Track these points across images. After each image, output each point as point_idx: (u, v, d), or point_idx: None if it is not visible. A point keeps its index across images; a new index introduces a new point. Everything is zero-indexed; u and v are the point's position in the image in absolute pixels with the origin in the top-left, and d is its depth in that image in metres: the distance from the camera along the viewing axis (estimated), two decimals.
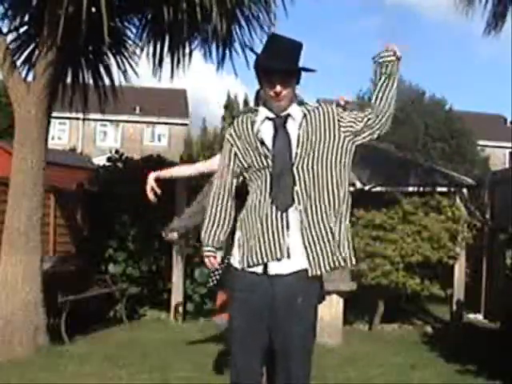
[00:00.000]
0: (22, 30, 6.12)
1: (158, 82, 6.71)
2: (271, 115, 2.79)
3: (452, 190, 7.74)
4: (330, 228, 2.73)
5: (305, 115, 2.80)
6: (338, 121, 2.80)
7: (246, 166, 2.82)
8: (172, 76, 6.26)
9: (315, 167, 2.74)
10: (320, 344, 6.40)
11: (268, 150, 2.75)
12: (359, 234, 7.40)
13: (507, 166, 29.86)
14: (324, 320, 6.59)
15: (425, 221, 7.42)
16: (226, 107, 26.17)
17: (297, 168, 2.73)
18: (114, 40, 6.07)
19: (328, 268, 2.74)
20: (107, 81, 6.55)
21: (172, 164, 8.89)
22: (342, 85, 62.41)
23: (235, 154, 2.84)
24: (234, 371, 2.80)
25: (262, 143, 2.76)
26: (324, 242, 2.72)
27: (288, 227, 2.70)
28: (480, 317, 8.33)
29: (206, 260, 2.91)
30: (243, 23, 5.93)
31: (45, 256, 6.35)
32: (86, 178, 8.75)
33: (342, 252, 2.77)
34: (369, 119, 2.79)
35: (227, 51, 6.06)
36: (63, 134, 33.87)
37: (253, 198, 2.79)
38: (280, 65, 2.73)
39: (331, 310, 6.59)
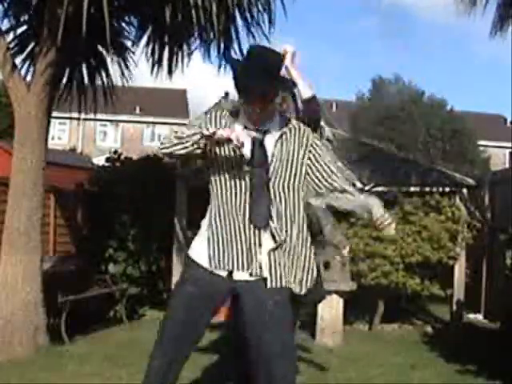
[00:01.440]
0: (21, 29, 6.12)
1: (158, 82, 6.70)
2: (250, 126, 2.77)
3: (452, 189, 7.74)
4: (300, 251, 2.78)
5: (282, 135, 2.78)
6: (309, 151, 2.80)
7: (214, 158, 2.78)
8: (171, 75, 6.26)
9: (285, 186, 2.76)
10: (320, 344, 6.43)
11: (245, 165, 2.73)
12: (359, 234, 7.40)
13: (507, 166, 29.85)
14: (324, 320, 6.60)
15: (425, 221, 7.42)
16: None
17: (272, 186, 2.74)
18: (114, 40, 6.07)
19: (282, 285, 2.73)
20: (107, 81, 6.56)
21: (172, 164, 8.89)
22: (342, 85, 62.47)
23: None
24: (159, 360, 2.79)
25: (240, 157, 2.73)
26: (290, 261, 2.75)
27: (260, 245, 2.72)
28: (480, 317, 8.32)
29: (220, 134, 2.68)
30: (243, 23, 5.93)
31: (45, 256, 6.35)
32: (86, 178, 8.75)
33: (300, 274, 2.78)
34: (335, 188, 2.82)
35: (227, 51, 6.05)
36: (63, 134, 33.88)
37: (226, 206, 2.77)
38: (259, 86, 2.68)
39: (331, 309, 6.59)
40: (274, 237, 2.73)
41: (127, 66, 6.46)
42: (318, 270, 3.48)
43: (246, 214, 2.73)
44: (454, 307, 7.61)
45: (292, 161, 2.77)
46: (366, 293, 7.18)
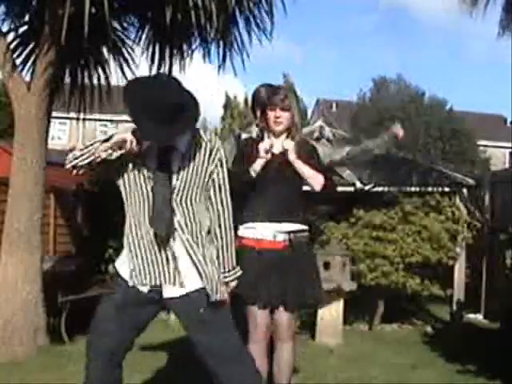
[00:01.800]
0: (22, 29, 6.12)
1: None
2: (156, 144, 2.80)
3: (452, 190, 7.74)
4: (210, 262, 2.84)
5: (189, 147, 2.80)
6: (216, 165, 2.85)
7: (123, 172, 2.83)
8: (170, 74, 6.26)
9: (190, 200, 2.80)
10: (320, 344, 6.43)
11: (150, 178, 2.77)
12: (359, 234, 7.41)
13: (507, 166, 29.85)
14: (324, 320, 6.60)
15: (425, 221, 7.42)
16: (226, 107, 26.16)
17: (178, 199, 2.77)
18: (114, 40, 6.07)
19: (219, 298, 2.81)
20: (107, 81, 6.56)
21: None
22: (341, 85, 62.47)
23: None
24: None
25: (147, 170, 2.78)
26: (211, 272, 2.82)
27: (174, 257, 2.78)
28: (480, 317, 8.32)
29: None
30: (243, 23, 5.93)
31: (45, 256, 6.35)
32: (86, 178, 8.74)
33: (216, 287, 2.84)
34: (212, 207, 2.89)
35: (227, 51, 6.05)
36: (63, 134, 33.87)
37: (135, 225, 2.83)
38: (159, 139, 2.72)
39: (331, 309, 6.59)
40: (186, 248, 2.79)
41: (127, 66, 6.46)
42: (318, 273, 3.53)
43: (149, 228, 2.79)
44: (454, 307, 7.61)
45: (196, 174, 2.81)
46: (365, 293, 7.18)
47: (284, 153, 3.55)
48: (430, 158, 24.39)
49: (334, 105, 37.28)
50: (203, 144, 2.82)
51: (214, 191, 2.86)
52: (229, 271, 2.93)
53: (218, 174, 2.86)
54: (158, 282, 2.80)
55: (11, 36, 6.01)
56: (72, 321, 6.21)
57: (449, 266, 7.55)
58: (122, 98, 2.76)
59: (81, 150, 2.82)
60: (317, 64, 66.73)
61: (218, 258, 2.90)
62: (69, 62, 6.11)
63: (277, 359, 3.62)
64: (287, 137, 3.62)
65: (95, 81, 6.51)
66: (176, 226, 2.78)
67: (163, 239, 2.78)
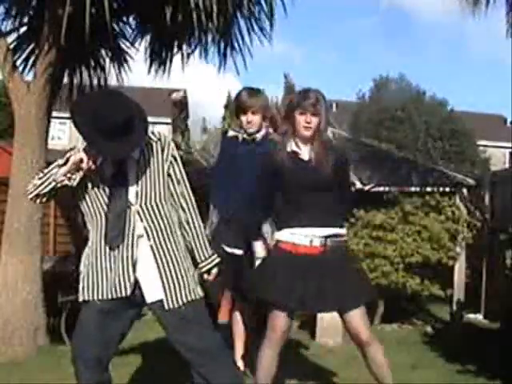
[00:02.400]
0: (22, 30, 6.12)
1: (158, 82, 6.71)
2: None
3: (452, 190, 7.74)
4: (184, 261, 2.89)
5: (142, 151, 2.83)
6: (171, 162, 2.90)
7: (82, 190, 2.85)
8: (169, 74, 6.28)
9: (155, 202, 2.83)
10: (320, 344, 6.43)
11: (104, 190, 2.80)
12: (359, 234, 7.40)
13: (507, 166, 29.83)
14: (324, 320, 6.59)
15: (425, 221, 7.42)
16: (226, 107, 26.17)
17: (140, 205, 2.79)
18: (113, 40, 6.08)
19: (181, 302, 2.86)
20: (106, 81, 6.56)
21: None
22: (341, 85, 62.47)
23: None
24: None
25: (102, 181, 2.80)
26: (179, 277, 2.85)
27: (133, 263, 2.79)
28: (480, 317, 8.31)
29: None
30: (243, 23, 5.93)
31: (45, 256, 6.35)
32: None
33: (191, 285, 2.90)
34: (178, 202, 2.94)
35: (227, 51, 6.05)
36: (63, 134, 33.85)
37: (92, 237, 2.86)
38: (118, 154, 2.77)
39: None
40: (154, 254, 2.82)
41: (127, 67, 6.46)
42: (359, 271, 3.55)
43: (104, 240, 2.81)
44: (454, 307, 7.60)
45: (155, 175, 2.84)
46: None
47: (313, 159, 3.50)
48: (430, 158, 24.41)
49: (334, 105, 37.26)
50: (154, 144, 2.87)
51: (174, 186, 2.91)
52: (205, 259, 2.98)
53: (174, 170, 2.91)
54: (114, 296, 2.82)
55: (11, 36, 6.02)
56: (72, 321, 6.19)
57: (449, 266, 7.54)
58: (72, 120, 2.89)
59: (40, 178, 2.83)
60: (317, 64, 66.72)
61: (192, 250, 2.95)
62: (69, 62, 6.11)
63: (374, 366, 3.57)
64: (311, 142, 3.54)
65: (95, 81, 6.51)
66: (142, 232, 2.80)
67: (121, 250, 2.79)
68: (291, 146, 3.52)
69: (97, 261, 2.84)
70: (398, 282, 7.26)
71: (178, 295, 2.84)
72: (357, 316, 3.48)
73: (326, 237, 3.43)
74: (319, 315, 6.55)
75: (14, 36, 6.06)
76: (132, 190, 2.80)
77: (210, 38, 5.84)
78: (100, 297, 2.85)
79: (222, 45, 5.97)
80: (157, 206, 2.83)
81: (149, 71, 6.27)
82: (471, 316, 8.24)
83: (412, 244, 7.32)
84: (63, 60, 5.79)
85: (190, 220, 2.93)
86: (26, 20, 6.11)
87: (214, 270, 3.02)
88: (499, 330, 7.12)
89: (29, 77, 5.96)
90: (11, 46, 5.93)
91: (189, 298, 2.87)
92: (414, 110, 28.48)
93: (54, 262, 7.10)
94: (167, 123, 34.24)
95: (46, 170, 2.86)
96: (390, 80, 32.20)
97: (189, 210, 2.93)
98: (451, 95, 63.17)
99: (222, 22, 5.42)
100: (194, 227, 2.94)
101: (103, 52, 6.39)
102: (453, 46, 69.51)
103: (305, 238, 3.41)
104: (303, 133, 3.49)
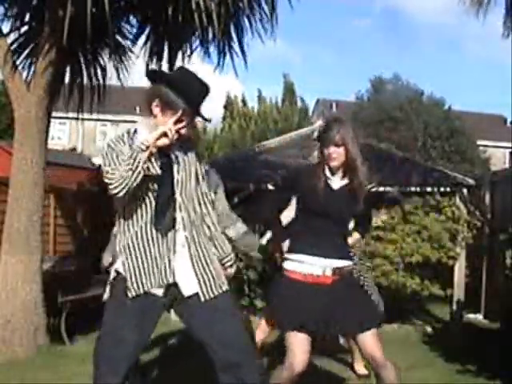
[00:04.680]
0: (22, 30, 6.12)
1: None
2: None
3: (452, 190, 7.74)
4: (211, 255, 2.93)
5: (181, 145, 2.90)
6: (198, 160, 2.99)
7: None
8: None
9: (190, 195, 2.89)
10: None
11: (151, 177, 2.78)
12: None
13: (507, 166, 29.84)
14: None
15: (425, 221, 7.42)
16: (226, 107, 26.16)
17: (180, 195, 2.84)
18: (114, 40, 6.08)
19: (216, 292, 2.87)
20: (106, 81, 6.57)
21: None
22: (341, 85, 62.48)
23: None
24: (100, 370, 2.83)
25: (147, 169, 2.77)
26: (210, 269, 2.88)
27: (174, 252, 2.81)
28: (480, 317, 8.32)
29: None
30: (243, 23, 5.93)
31: (45, 256, 6.35)
32: (86, 178, 8.75)
33: (222, 277, 2.94)
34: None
35: (227, 51, 6.05)
36: (63, 134, 33.86)
37: (134, 225, 2.84)
38: (198, 106, 2.85)
39: None
40: (189, 246, 2.84)
41: (127, 67, 6.46)
42: (368, 294, 3.56)
43: (151, 226, 2.81)
44: (454, 307, 7.61)
45: (191, 169, 2.92)
46: None
47: (342, 189, 3.43)
48: (430, 158, 24.40)
49: (334, 105, 37.27)
50: (189, 144, 2.96)
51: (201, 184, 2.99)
52: (227, 256, 3.04)
53: (200, 170, 3.00)
54: (153, 285, 2.81)
55: (12, 36, 6.02)
56: (72, 321, 6.20)
57: (449, 266, 7.55)
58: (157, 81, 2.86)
59: (124, 170, 2.70)
60: (316, 64, 66.75)
61: (215, 247, 3.00)
62: (69, 62, 6.11)
63: None
64: (345, 172, 3.43)
65: (95, 81, 6.51)
66: (179, 221, 2.83)
67: (163, 238, 2.81)
68: (325, 172, 3.43)
69: (140, 248, 2.81)
70: (398, 282, 7.27)
71: (213, 286, 2.85)
72: (372, 338, 3.53)
73: (338, 269, 3.40)
74: None
75: (14, 36, 6.07)
76: (174, 179, 2.86)
77: (210, 38, 5.83)
78: (145, 286, 2.80)
79: (222, 45, 5.96)
80: (192, 198, 2.90)
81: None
82: (471, 316, 8.25)
83: (412, 244, 7.33)
84: (63, 60, 5.79)
85: (212, 217, 3.02)
86: (26, 20, 6.11)
87: (232, 269, 3.06)
88: (499, 330, 7.12)
89: (29, 77, 5.96)
90: (11, 46, 5.93)
91: (222, 289, 2.88)
92: (413, 110, 28.46)
93: (54, 262, 7.11)
94: None
95: (124, 158, 2.71)
96: (385, 80, 32.20)
97: (208, 210, 3.01)
98: (451, 95, 63.16)
99: (223, 22, 5.42)
100: (213, 224, 3.02)
101: (103, 52, 6.39)
102: (453, 45, 69.56)
103: (316, 268, 3.37)
104: (330, 163, 3.41)
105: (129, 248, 2.83)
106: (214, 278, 2.87)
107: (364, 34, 67.31)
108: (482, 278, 8.36)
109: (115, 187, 2.72)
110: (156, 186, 2.81)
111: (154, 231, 2.81)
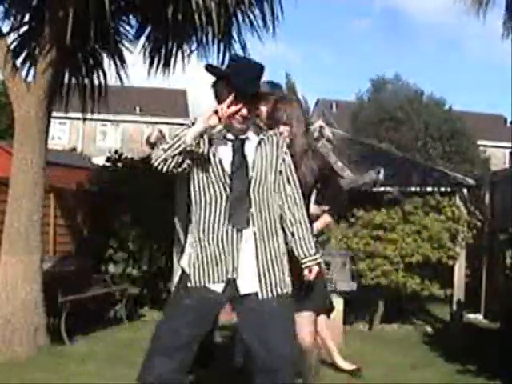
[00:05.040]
0: (22, 30, 6.12)
1: (158, 82, 6.71)
2: (230, 136, 2.86)
3: (452, 190, 7.74)
4: (281, 254, 2.87)
5: (260, 141, 2.89)
6: (283, 160, 2.94)
7: (197, 174, 2.87)
8: (169, 74, 6.28)
9: (266, 192, 2.85)
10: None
11: (226, 170, 2.81)
12: (359, 234, 7.40)
13: (507, 166, 29.83)
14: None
15: (425, 221, 7.42)
16: None
17: (253, 191, 2.82)
18: (114, 40, 6.08)
19: (275, 293, 2.82)
20: (106, 81, 6.56)
21: None
22: (341, 85, 62.47)
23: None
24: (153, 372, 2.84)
25: (221, 163, 2.81)
26: (275, 268, 2.83)
27: (240, 248, 2.79)
28: (480, 317, 8.32)
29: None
30: (243, 24, 5.93)
31: (45, 256, 6.35)
32: (86, 178, 8.75)
33: (286, 279, 2.88)
34: (286, 206, 2.94)
35: (227, 51, 6.05)
36: (63, 134, 33.87)
37: (206, 218, 2.83)
38: (251, 89, 2.81)
39: None
40: (256, 243, 2.81)
41: (127, 67, 6.46)
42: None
43: (226, 220, 2.79)
44: (454, 307, 7.60)
45: (269, 166, 2.89)
46: (365, 293, 7.18)
47: None
48: (430, 158, 24.39)
49: (334, 105, 37.28)
50: (272, 138, 2.93)
51: (284, 185, 2.93)
52: (309, 256, 2.94)
53: (285, 168, 2.94)
54: (227, 277, 2.78)
55: (12, 36, 6.02)
56: (72, 321, 6.21)
57: (449, 266, 7.54)
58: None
59: (168, 143, 2.79)
60: (317, 64, 66.72)
61: (296, 248, 2.93)
62: (69, 62, 6.10)
63: None
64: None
65: (95, 81, 6.51)
66: (249, 217, 2.81)
67: (236, 229, 2.79)
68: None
69: (207, 242, 2.81)
70: (398, 282, 7.27)
71: (273, 286, 2.81)
72: (302, 320, 3.49)
73: None
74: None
75: (14, 36, 6.07)
76: (249, 175, 2.84)
77: (210, 38, 5.83)
78: (207, 280, 2.79)
79: (222, 45, 5.96)
80: (266, 195, 2.86)
81: (149, 71, 6.27)
82: (471, 316, 8.25)
83: (412, 244, 7.32)
84: (63, 60, 5.79)
85: (298, 219, 2.93)
86: (26, 20, 6.11)
87: (316, 268, 2.98)
88: (499, 329, 7.12)
89: (29, 77, 5.96)
90: (11, 46, 5.93)
91: (283, 291, 2.84)
92: (413, 110, 28.45)
93: (54, 262, 7.11)
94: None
95: (173, 135, 2.83)
96: (386, 80, 32.20)
97: (297, 209, 2.94)
98: (451, 95, 63.13)
99: (223, 22, 5.42)
100: (301, 225, 2.93)
101: (104, 52, 6.38)
102: (453, 45, 69.52)
103: None
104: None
105: (198, 240, 2.83)
106: (276, 277, 2.82)
107: (364, 34, 67.30)
108: (482, 278, 8.36)
109: (155, 159, 2.79)
110: (228, 179, 2.80)
111: (225, 226, 2.79)
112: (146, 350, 2.89)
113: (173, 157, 2.76)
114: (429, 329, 7.68)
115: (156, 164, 2.80)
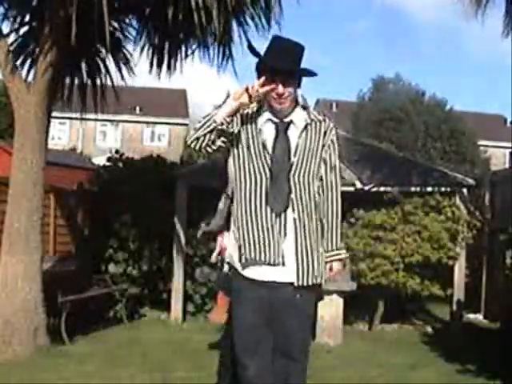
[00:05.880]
0: (22, 30, 6.12)
1: (158, 82, 6.71)
2: (274, 119, 2.81)
3: (452, 189, 7.74)
4: (318, 244, 2.82)
5: (306, 126, 2.83)
6: (328, 146, 2.87)
7: (237, 151, 2.83)
8: (170, 75, 6.27)
9: (306, 178, 2.80)
10: (320, 344, 6.42)
11: (268, 153, 2.78)
12: (359, 234, 7.40)
13: (507, 166, 29.84)
14: (324, 320, 6.60)
15: (425, 221, 7.42)
16: None
17: (293, 176, 2.78)
18: (114, 40, 6.07)
19: (311, 282, 2.79)
20: (106, 81, 6.56)
21: (172, 164, 8.90)
22: (341, 85, 62.50)
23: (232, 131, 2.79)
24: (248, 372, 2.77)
25: (264, 145, 2.79)
26: (313, 256, 2.79)
27: (285, 233, 2.75)
28: (480, 317, 8.33)
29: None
30: (243, 23, 5.92)
31: (45, 256, 6.35)
32: (86, 178, 8.75)
33: (320, 268, 2.83)
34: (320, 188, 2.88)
35: (227, 51, 6.05)
36: (63, 134, 33.86)
37: (246, 200, 2.80)
38: (284, 65, 2.74)
39: (331, 309, 6.59)
40: (295, 228, 2.76)
41: (127, 66, 6.46)
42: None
43: (264, 205, 2.75)
44: (454, 307, 7.60)
45: (312, 153, 2.82)
46: (365, 293, 7.18)
47: None
48: (430, 158, 24.39)
49: (334, 105, 37.28)
50: (318, 124, 2.86)
51: (326, 172, 2.87)
52: (331, 250, 2.88)
53: (330, 156, 2.87)
54: (266, 260, 2.74)
55: (12, 37, 6.02)
56: (72, 321, 6.21)
57: (449, 266, 7.54)
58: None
59: (199, 121, 2.79)
60: (317, 64, 66.60)
61: (323, 238, 2.87)
62: (69, 62, 6.11)
63: None
64: None
65: (95, 81, 6.51)
66: (289, 202, 2.76)
67: (276, 217, 2.75)
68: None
69: (253, 222, 2.77)
70: (398, 282, 7.27)
71: (310, 275, 2.77)
72: None
73: None
74: (319, 315, 6.55)
75: (14, 36, 6.06)
76: (291, 159, 2.80)
77: (209, 38, 5.83)
78: (258, 257, 2.75)
79: (222, 45, 5.96)
80: (308, 182, 2.79)
81: (150, 72, 6.27)
82: (471, 316, 8.25)
83: (412, 244, 7.32)
84: (63, 60, 5.79)
85: (330, 209, 2.87)
86: (26, 20, 6.11)
87: (335, 265, 2.91)
88: (499, 329, 7.13)
89: (29, 77, 5.96)
90: (12, 47, 5.93)
91: (317, 281, 2.81)
92: (414, 110, 28.46)
93: (53, 262, 7.11)
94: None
95: (206, 114, 2.80)
96: (387, 80, 32.21)
97: (332, 199, 2.87)
98: (451, 95, 63.14)
99: (223, 22, 5.42)
100: (332, 217, 2.88)
101: (104, 52, 6.38)
102: (453, 45, 69.52)
103: None
104: None
105: (242, 220, 2.79)
106: (313, 266, 2.78)
107: (364, 34, 67.31)
108: (482, 278, 8.36)
109: (189, 138, 2.81)
110: (270, 161, 2.77)
111: (268, 210, 2.75)
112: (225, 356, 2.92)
113: (204, 135, 2.74)
114: (429, 329, 7.68)
115: (189, 142, 2.81)
